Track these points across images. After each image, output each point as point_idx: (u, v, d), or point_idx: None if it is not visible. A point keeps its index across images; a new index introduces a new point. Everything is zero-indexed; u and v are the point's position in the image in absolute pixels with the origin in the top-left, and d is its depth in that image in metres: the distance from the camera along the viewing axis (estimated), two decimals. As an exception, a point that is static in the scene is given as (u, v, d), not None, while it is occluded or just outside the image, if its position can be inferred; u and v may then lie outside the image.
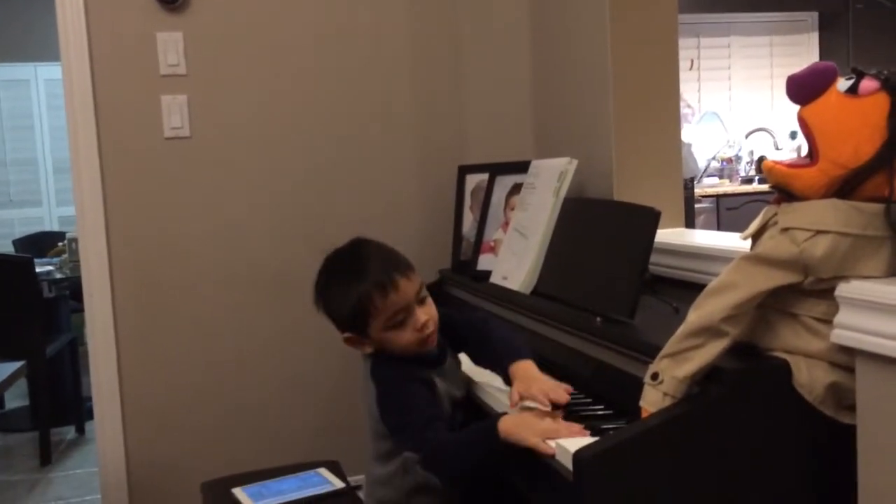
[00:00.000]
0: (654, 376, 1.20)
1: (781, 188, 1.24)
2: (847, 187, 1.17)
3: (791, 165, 1.23)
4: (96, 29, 2.28)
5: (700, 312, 1.19)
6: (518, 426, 1.32)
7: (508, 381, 1.51)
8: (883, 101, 1.17)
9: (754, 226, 1.27)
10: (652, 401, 1.19)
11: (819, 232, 1.15)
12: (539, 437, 1.27)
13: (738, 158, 5.95)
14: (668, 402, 1.17)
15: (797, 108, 1.25)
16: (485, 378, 1.64)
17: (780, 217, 1.21)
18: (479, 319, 1.73)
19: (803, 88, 1.23)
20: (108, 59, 2.30)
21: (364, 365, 1.60)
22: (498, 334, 1.63)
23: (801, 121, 1.24)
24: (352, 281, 1.50)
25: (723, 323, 1.17)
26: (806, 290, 1.18)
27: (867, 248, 1.15)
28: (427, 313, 1.52)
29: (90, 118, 2.28)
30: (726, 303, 1.17)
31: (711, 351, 1.17)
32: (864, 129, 1.17)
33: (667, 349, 1.20)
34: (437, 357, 1.59)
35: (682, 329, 1.20)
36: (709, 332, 1.17)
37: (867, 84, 1.19)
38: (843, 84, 1.21)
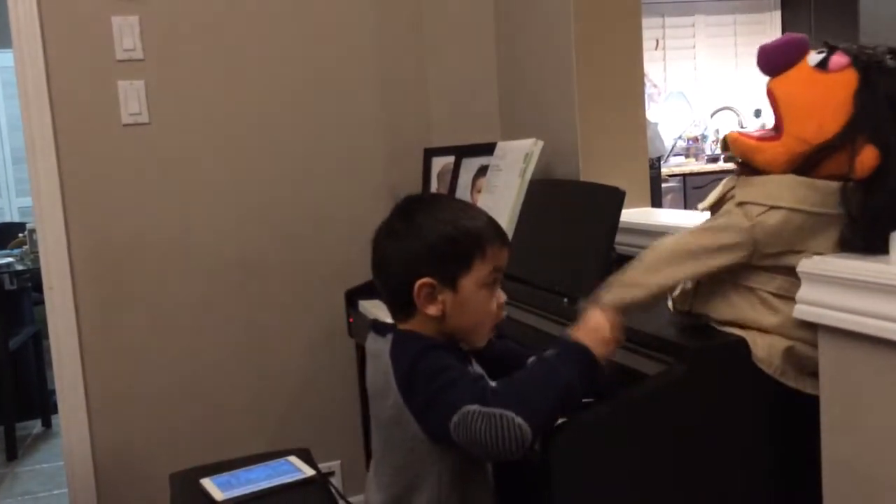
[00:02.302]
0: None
1: (744, 160, 1.24)
2: (808, 164, 1.17)
3: (757, 138, 1.22)
4: (49, 13, 2.21)
5: (652, 280, 1.21)
6: (603, 342, 1.18)
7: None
8: (851, 77, 1.17)
9: (713, 196, 1.28)
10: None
11: (773, 207, 1.16)
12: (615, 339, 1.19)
13: (704, 137, 5.99)
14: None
15: (766, 79, 1.24)
16: None
17: (737, 191, 1.21)
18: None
19: (774, 60, 1.22)
20: (61, 44, 2.23)
21: (376, 364, 1.29)
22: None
23: (770, 93, 1.23)
24: (465, 212, 1.26)
25: (670, 290, 1.23)
26: (759, 265, 1.18)
27: (818, 225, 1.16)
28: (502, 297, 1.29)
29: (45, 105, 2.22)
30: (675, 276, 1.20)
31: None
32: (829, 105, 1.16)
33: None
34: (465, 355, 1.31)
35: (633, 271, 1.24)
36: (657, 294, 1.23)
37: (837, 59, 1.18)
38: (813, 58, 1.20)
